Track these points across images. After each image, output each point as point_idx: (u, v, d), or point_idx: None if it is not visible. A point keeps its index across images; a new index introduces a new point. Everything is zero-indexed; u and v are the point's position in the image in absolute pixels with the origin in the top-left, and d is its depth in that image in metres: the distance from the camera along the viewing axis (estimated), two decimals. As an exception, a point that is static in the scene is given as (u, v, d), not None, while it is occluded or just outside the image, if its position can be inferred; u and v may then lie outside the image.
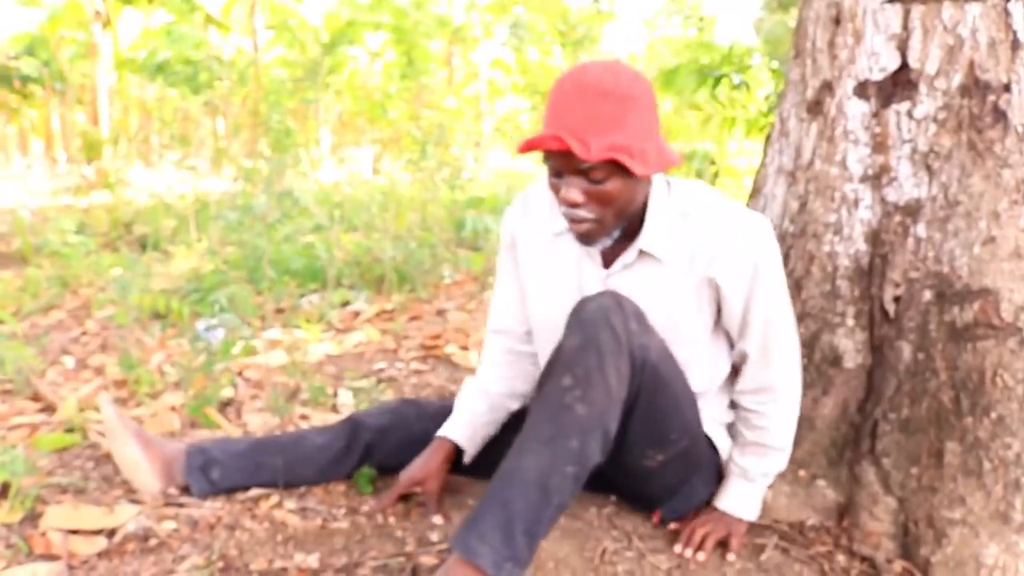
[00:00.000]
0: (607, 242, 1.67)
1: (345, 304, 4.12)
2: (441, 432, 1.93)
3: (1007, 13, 1.79)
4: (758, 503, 1.86)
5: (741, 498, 1.84)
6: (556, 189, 1.59)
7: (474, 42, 16.73)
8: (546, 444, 1.51)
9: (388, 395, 2.74)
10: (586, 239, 1.63)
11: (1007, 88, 1.80)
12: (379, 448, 2.01)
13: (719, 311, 1.73)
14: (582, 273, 1.77)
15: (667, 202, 1.69)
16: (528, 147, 1.52)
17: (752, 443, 1.81)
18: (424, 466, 1.91)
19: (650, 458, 1.74)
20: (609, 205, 1.57)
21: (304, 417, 2.54)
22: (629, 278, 1.73)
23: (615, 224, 1.62)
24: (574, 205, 1.56)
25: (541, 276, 1.83)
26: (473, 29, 16.39)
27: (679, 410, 1.70)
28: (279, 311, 3.92)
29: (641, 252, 1.69)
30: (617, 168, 1.53)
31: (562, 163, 1.54)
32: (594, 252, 1.75)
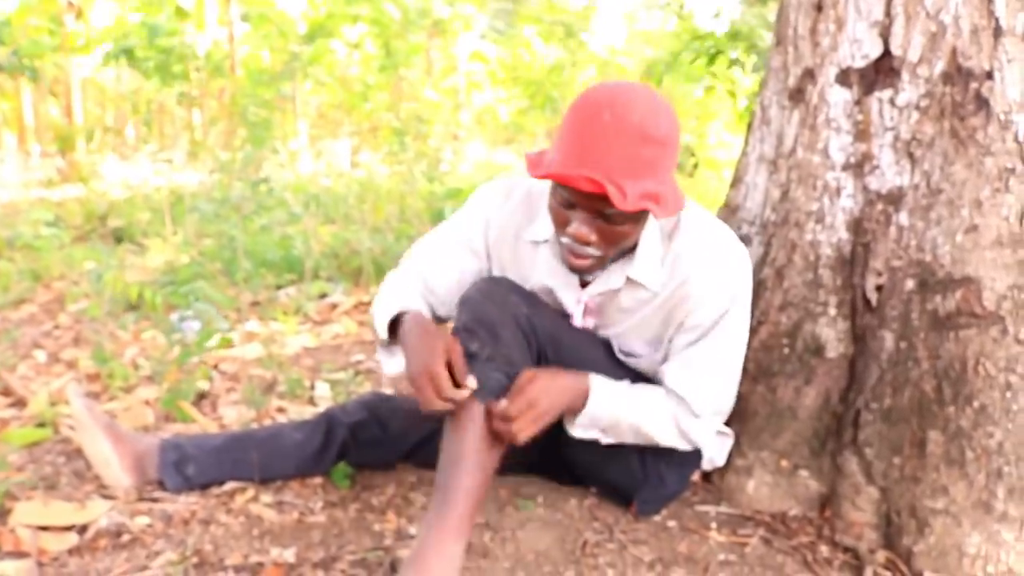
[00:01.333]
0: (598, 274, 1.68)
1: (322, 296, 4.08)
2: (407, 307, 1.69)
3: (989, 0, 1.78)
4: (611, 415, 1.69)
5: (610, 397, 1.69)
6: (562, 220, 1.55)
7: (453, 35, 16.65)
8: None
9: (366, 387, 2.71)
10: (581, 272, 1.62)
11: (989, 76, 1.78)
12: (354, 447, 1.99)
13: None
14: (556, 286, 1.76)
15: (654, 228, 1.68)
16: (556, 179, 1.46)
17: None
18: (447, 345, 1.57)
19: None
20: (618, 244, 1.56)
21: (281, 410, 2.51)
22: (610, 299, 1.74)
23: (612, 259, 1.63)
24: (585, 243, 1.52)
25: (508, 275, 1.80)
26: (454, 22, 16.32)
27: None
28: (255, 303, 3.87)
29: (628, 279, 1.69)
30: (640, 213, 1.51)
31: (584, 202, 1.48)
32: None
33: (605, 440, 1.73)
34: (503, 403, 1.55)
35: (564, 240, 1.56)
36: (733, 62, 3.44)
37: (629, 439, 1.73)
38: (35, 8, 11.91)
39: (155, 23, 10.60)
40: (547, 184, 1.73)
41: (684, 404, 1.71)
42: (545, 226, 1.73)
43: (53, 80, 12.78)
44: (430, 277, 1.80)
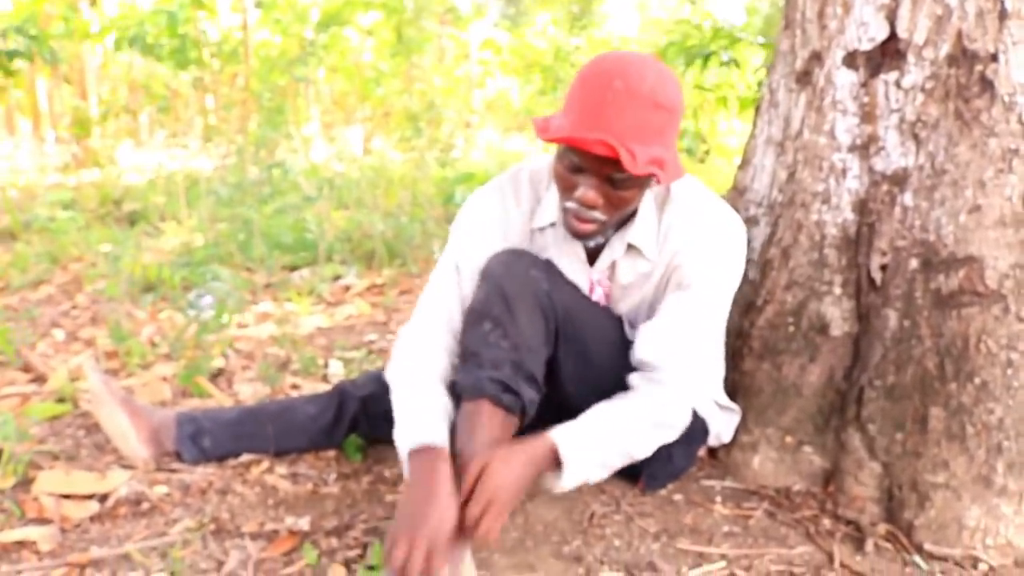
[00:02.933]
0: (599, 240, 1.71)
1: (336, 278, 4.12)
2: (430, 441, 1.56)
3: (995, -18, 1.80)
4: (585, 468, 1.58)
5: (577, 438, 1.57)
6: (569, 185, 1.57)
7: (466, 22, 16.65)
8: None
9: (378, 365, 2.75)
10: (584, 237, 1.63)
11: (994, 58, 1.80)
12: (365, 418, 2.02)
13: None
14: (565, 268, 1.77)
15: (651, 198, 1.71)
16: (569, 143, 1.49)
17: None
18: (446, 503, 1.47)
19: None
20: (622, 209, 1.59)
21: (295, 387, 2.55)
22: (616, 273, 1.77)
23: (615, 225, 1.66)
24: (591, 207, 1.55)
25: None
26: (465, 8, 16.35)
27: (614, 357, 1.71)
28: (269, 285, 3.92)
29: (629, 246, 1.72)
30: (645, 177, 1.54)
31: (594, 165, 1.51)
32: (579, 249, 1.76)
33: (597, 478, 1.63)
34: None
35: (569, 205, 1.58)
36: (723, 63, 3.38)
37: (621, 462, 1.65)
38: (51, -5, 11.98)
39: (171, 10, 10.65)
40: (536, 170, 1.80)
41: (651, 374, 1.66)
42: (549, 211, 1.76)
43: (68, 66, 12.84)
44: (454, 317, 1.75)
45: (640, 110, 1.46)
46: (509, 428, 1.61)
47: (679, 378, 1.66)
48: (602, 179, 1.53)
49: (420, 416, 1.59)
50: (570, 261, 1.78)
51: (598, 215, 1.57)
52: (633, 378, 1.68)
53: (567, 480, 1.56)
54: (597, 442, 1.58)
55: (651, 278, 1.74)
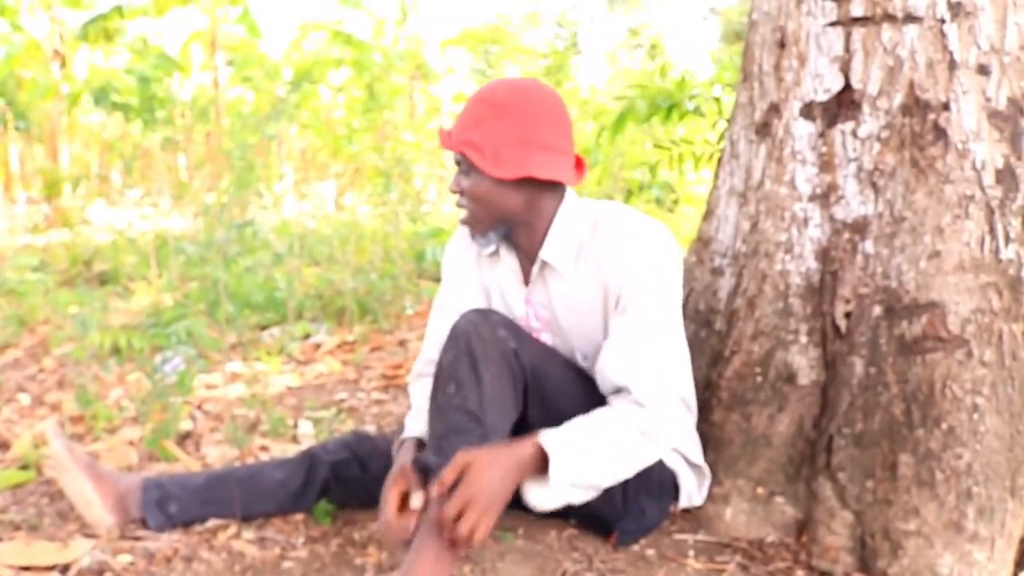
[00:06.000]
0: (486, 242, 1.80)
1: (306, 336, 4.10)
2: (407, 434, 1.85)
3: (943, 35, 1.84)
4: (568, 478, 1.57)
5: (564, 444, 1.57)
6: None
7: (436, 77, 16.82)
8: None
9: (349, 425, 2.72)
10: (469, 229, 1.80)
11: (946, 107, 1.84)
12: (335, 485, 2.01)
13: None
14: (506, 292, 1.88)
15: (577, 218, 1.78)
16: (440, 137, 1.75)
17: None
18: (401, 472, 1.68)
19: None
20: (476, 202, 1.73)
21: (264, 448, 2.52)
22: (543, 292, 1.83)
23: (490, 223, 1.76)
24: (453, 192, 1.76)
25: (477, 300, 1.93)
26: (437, 64, 16.51)
27: (584, 409, 1.68)
28: (238, 345, 3.89)
29: (543, 263, 1.80)
30: (475, 167, 1.70)
31: (452, 157, 1.76)
32: (517, 271, 1.87)
33: (581, 499, 1.62)
34: (420, 497, 1.60)
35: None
36: (686, 113, 3.41)
37: (608, 475, 1.63)
38: (23, 58, 12.01)
39: (141, 71, 10.72)
40: None
41: (627, 396, 1.66)
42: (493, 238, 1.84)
43: (38, 127, 12.84)
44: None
45: (470, 106, 1.72)
46: None
47: (654, 395, 1.65)
48: (457, 167, 1.75)
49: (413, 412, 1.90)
50: (510, 284, 1.87)
51: (465, 203, 1.76)
52: (611, 398, 1.70)
53: (553, 487, 1.54)
54: (585, 443, 1.57)
55: (581, 299, 1.78)
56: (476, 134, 1.69)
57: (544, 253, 1.78)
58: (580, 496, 1.62)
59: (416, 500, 1.58)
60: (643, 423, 1.64)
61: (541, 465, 1.55)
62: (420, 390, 1.94)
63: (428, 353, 1.99)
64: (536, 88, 1.73)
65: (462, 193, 1.75)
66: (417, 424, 1.86)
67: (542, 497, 1.57)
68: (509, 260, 1.87)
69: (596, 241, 1.76)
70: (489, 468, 1.48)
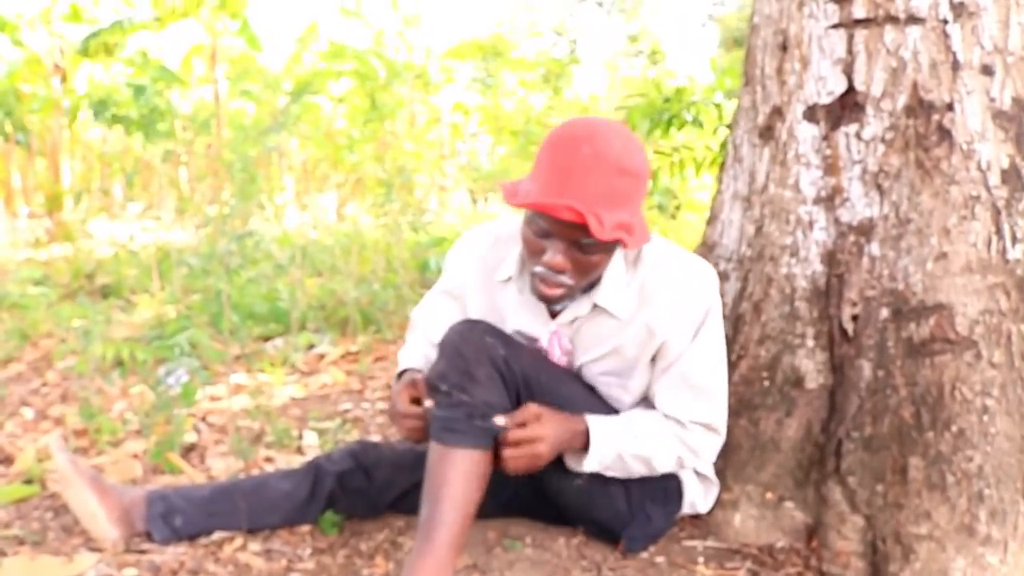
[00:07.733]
0: (567, 304, 1.72)
1: (310, 347, 4.09)
2: (404, 366, 1.94)
3: (946, 35, 1.84)
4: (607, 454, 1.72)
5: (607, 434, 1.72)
6: (537, 250, 1.58)
7: (436, 87, 16.84)
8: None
9: (353, 435, 2.71)
10: (551, 301, 1.66)
11: (950, 107, 1.84)
12: (341, 495, 1.99)
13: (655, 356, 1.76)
14: (527, 320, 1.80)
15: (617, 255, 1.71)
16: (537, 208, 1.50)
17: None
18: (412, 381, 1.77)
19: (571, 473, 1.77)
20: (590, 273, 1.60)
21: (269, 459, 2.51)
22: (579, 328, 1.77)
23: (583, 288, 1.66)
24: (559, 271, 1.56)
25: (483, 315, 1.84)
26: (437, 75, 16.53)
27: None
28: (242, 356, 3.88)
29: (595, 306, 1.73)
30: (612, 242, 1.55)
31: (562, 231, 1.52)
32: (538, 301, 1.76)
33: (610, 475, 1.75)
34: (503, 420, 1.62)
35: (537, 269, 1.59)
36: (686, 123, 3.39)
37: (636, 470, 1.75)
38: (24, 72, 12.04)
39: (140, 84, 10.72)
40: (513, 229, 1.80)
41: (680, 425, 1.74)
42: (511, 265, 1.78)
43: (40, 141, 12.87)
44: (428, 330, 1.94)
45: (607, 176, 1.48)
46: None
47: (703, 430, 1.76)
48: (570, 244, 1.54)
49: (404, 356, 1.96)
50: (530, 312, 1.79)
51: (566, 279, 1.58)
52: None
53: (586, 467, 1.71)
54: (625, 442, 1.71)
55: (622, 332, 1.73)
56: (626, 213, 1.52)
57: (599, 299, 1.71)
58: (616, 469, 1.75)
59: (428, 403, 1.67)
60: (687, 438, 1.75)
61: (583, 442, 1.70)
62: (415, 337, 1.99)
63: (425, 324, 1.97)
64: (639, 142, 1.59)
65: (569, 270, 1.57)
66: (413, 356, 1.94)
67: (579, 462, 1.72)
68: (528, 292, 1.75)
69: (639, 276, 1.72)
70: (554, 423, 1.64)
